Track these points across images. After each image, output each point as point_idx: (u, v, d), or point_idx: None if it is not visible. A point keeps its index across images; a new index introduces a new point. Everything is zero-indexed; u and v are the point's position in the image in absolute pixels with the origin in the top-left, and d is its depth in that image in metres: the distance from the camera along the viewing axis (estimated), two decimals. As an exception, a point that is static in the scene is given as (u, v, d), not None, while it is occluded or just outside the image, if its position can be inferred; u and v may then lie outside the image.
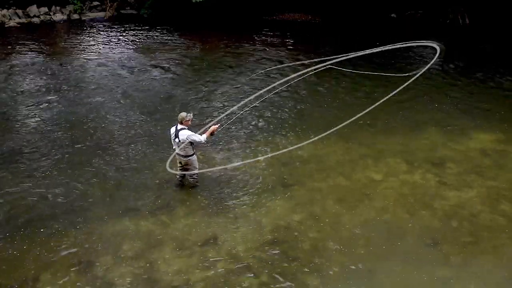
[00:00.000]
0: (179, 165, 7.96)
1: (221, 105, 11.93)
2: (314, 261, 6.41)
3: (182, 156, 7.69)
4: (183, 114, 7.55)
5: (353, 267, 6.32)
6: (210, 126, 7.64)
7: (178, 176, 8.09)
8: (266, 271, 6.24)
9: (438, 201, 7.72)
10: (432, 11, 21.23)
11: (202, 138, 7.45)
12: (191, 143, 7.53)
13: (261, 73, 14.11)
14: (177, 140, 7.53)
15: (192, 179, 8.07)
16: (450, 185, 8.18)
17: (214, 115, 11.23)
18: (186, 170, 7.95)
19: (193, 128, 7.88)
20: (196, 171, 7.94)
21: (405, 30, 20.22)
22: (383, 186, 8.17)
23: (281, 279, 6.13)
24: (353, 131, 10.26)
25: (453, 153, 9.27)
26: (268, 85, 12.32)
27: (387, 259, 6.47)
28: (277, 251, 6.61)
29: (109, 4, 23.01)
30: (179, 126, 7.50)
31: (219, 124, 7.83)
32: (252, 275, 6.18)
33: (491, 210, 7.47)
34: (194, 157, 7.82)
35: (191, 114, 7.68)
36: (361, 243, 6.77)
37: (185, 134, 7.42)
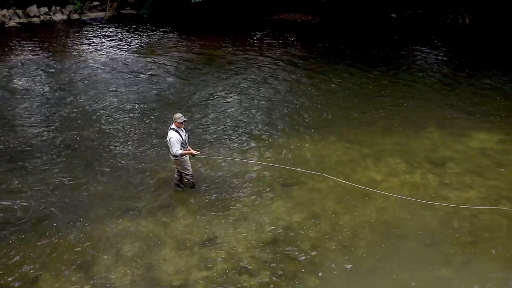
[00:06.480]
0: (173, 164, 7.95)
1: (220, 106, 11.93)
2: (314, 261, 6.41)
3: (172, 154, 7.64)
4: (177, 114, 7.51)
5: (353, 267, 6.32)
6: (194, 150, 7.74)
7: (175, 177, 8.08)
8: (266, 271, 6.24)
9: (439, 201, 7.72)
10: (432, 11, 21.23)
11: (178, 151, 7.40)
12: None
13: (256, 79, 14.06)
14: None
15: (186, 180, 8.01)
16: (450, 185, 8.18)
17: (213, 116, 11.25)
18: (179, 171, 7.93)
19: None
20: (189, 171, 7.88)
21: (405, 30, 20.19)
22: (384, 186, 8.15)
23: (281, 279, 6.12)
24: (353, 131, 10.25)
25: (453, 153, 9.26)
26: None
27: (387, 259, 6.46)
28: (277, 251, 6.61)
29: (109, 4, 23.02)
30: (172, 125, 7.50)
31: (199, 153, 7.88)
32: (252, 275, 6.18)
33: (491, 210, 7.45)
34: (183, 158, 7.66)
35: (183, 117, 7.48)
36: (361, 243, 6.76)
37: (170, 135, 7.39)
